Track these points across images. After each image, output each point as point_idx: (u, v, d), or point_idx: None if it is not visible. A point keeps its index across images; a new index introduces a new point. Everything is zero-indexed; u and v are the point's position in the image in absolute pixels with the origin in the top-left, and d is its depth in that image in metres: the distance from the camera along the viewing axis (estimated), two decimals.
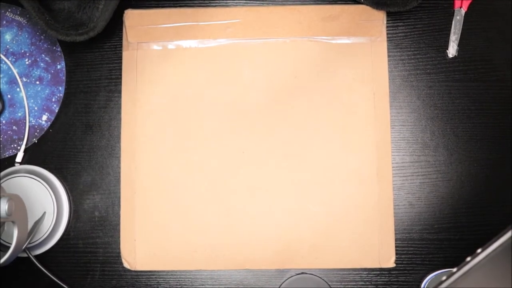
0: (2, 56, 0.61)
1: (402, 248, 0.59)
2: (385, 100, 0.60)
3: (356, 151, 0.59)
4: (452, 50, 0.60)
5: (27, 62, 0.61)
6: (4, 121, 0.61)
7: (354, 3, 0.60)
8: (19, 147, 0.60)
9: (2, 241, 0.58)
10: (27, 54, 0.61)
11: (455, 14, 0.61)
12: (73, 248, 0.60)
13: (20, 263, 0.59)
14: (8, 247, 0.52)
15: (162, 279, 0.59)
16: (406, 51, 0.61)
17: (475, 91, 0.60)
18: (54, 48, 0.62)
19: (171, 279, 0.59)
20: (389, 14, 0.61)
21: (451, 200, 0.59)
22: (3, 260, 0.51)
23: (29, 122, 0.61)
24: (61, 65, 0.61)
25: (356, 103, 0.59)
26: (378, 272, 0.58)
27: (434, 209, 0.59)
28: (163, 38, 0.60)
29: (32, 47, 0.61)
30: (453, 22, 0.61)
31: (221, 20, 0.60)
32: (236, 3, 0.62)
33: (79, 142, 0.61)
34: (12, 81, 0.61)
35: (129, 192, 0.59)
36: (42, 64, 0.61)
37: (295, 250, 0.58)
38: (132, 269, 0.59)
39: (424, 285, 0.57)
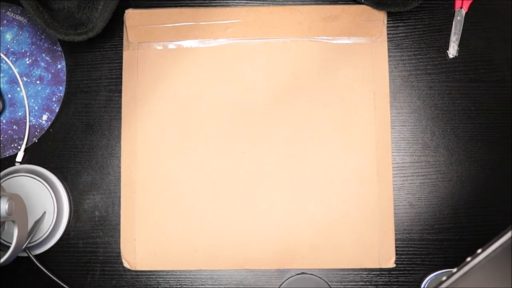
0: (3, 56, 0.61)
1: (402, 248, 0.59)
2: (385, 100, 0.60)
3: (356, 151, 0.59)
4: (452, 51, 0.60)
5: (27, 62, 0.61)
6: (4, 121, 0.61)
7: (355, 3, 0.60)
8: (19, 147, 0.60)
9: (2, 241, 0.58)
10: (28, 53, 0.61)
11: (455, 14, 0.61)
12: (73, 247, 0.60)
13: (20, 263, 0.59)
14: (8, 247, 0.52)
15: (162, 279, 0.59)
16: (406, 51, 0.61)
17: (475, 91, 0.60)
18: (55, 47, 0.62)
19: (171, 279, 0.59)
20: (389, 15, 0.61)
21: (451, 201, 0.59)
22: (3, 259, 0.51)
23: (30, 121, 0.61)
24: (61, 65, 0.61)
25: (357, 103, 0.59)
26: (378, 272, 0.58)
27: (434, 209, 0.59)
28: (164, 38, 0.60)
29: (33, 46, 0.61)
30: (453, 22, 0.61)
31: (222, 20, 0.60)
32: (237, 3, 0.62)
33: (79, 142, 0.61)
34: (13, 81, 0.61)
35: (129, 192, 0.59)
36: (42, 64, 0.61)
37: (295, 250, 0.58)
38: (132, 269, 0.59)
39: (424, 286, 0.57)
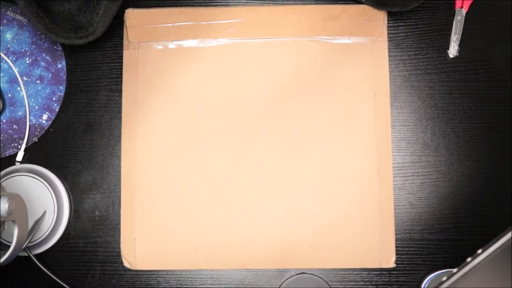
0: (3, 55, 0.61)
1: (403, 248, 0.59)
2: (385, 100, 0.60)
3: (356, 151, 0.59)
4: (453, 50, 0.60)
5: (27, 61, 0.61)
6: (4, 120, 0.61)
7: (355, 3, 0.60)
8: (19, 146, 0.60)
9: (2, 240, 0.58)
10: (28, 53, 0.61)
11: (456, 14, 0.61)
12: (74, 247, 0.60)
13: (20, 262, 0.59)
14: (9, 246, 0.52)
15: (162, 279, 0.59)
16: (407, 51, 0.61)
17: (476, 91, 0.60)
18: (55, 47, 0.62)
19: (171, 279, 0.59)
20: (390, 14, 0.61)
21: (452, 200, 0.59)
22: (3, 259, 0.51)
23: (30, 121, 0.61)
24: (61, 64, 0.61)
25: (357, 103, 0.59)
26: (378, 272, 0.58)
27: (434, 209, 0.59)
28: (164, 38, 0.60)
29: (33, 46, 0.61)
30: (454, 22, 0.61)
31: (222, 20, 0.60)
32: (237, 2, 0.62)
33: (79, 142, 0.61)
34: (13, 80, 0.61)
35: (129, 192, 0.59)
36: (42, 63, 0.61)
37: (295, 250, 0.58)
38: (132, 268, 0.59)
39: (425, 285, 0.57)
